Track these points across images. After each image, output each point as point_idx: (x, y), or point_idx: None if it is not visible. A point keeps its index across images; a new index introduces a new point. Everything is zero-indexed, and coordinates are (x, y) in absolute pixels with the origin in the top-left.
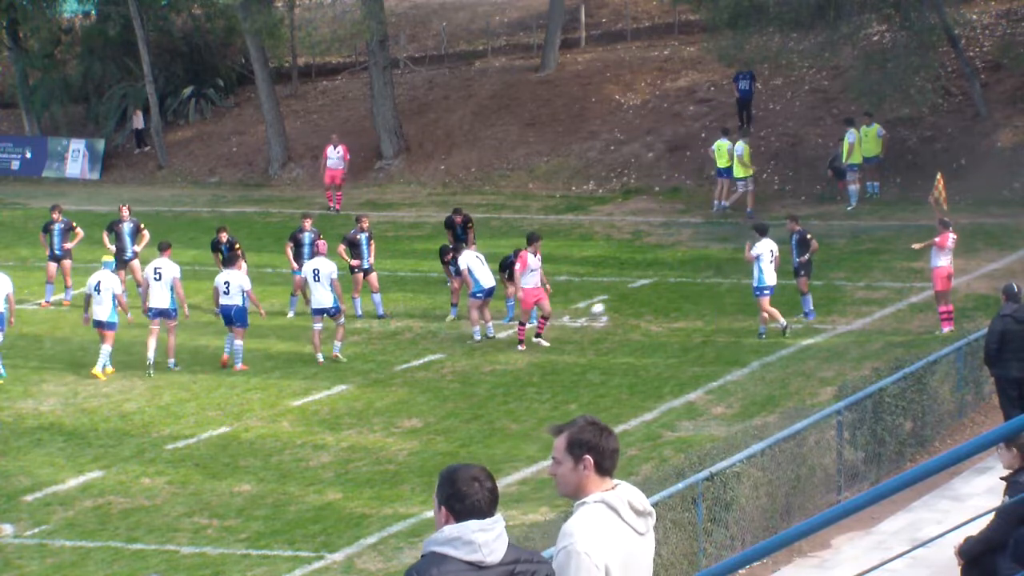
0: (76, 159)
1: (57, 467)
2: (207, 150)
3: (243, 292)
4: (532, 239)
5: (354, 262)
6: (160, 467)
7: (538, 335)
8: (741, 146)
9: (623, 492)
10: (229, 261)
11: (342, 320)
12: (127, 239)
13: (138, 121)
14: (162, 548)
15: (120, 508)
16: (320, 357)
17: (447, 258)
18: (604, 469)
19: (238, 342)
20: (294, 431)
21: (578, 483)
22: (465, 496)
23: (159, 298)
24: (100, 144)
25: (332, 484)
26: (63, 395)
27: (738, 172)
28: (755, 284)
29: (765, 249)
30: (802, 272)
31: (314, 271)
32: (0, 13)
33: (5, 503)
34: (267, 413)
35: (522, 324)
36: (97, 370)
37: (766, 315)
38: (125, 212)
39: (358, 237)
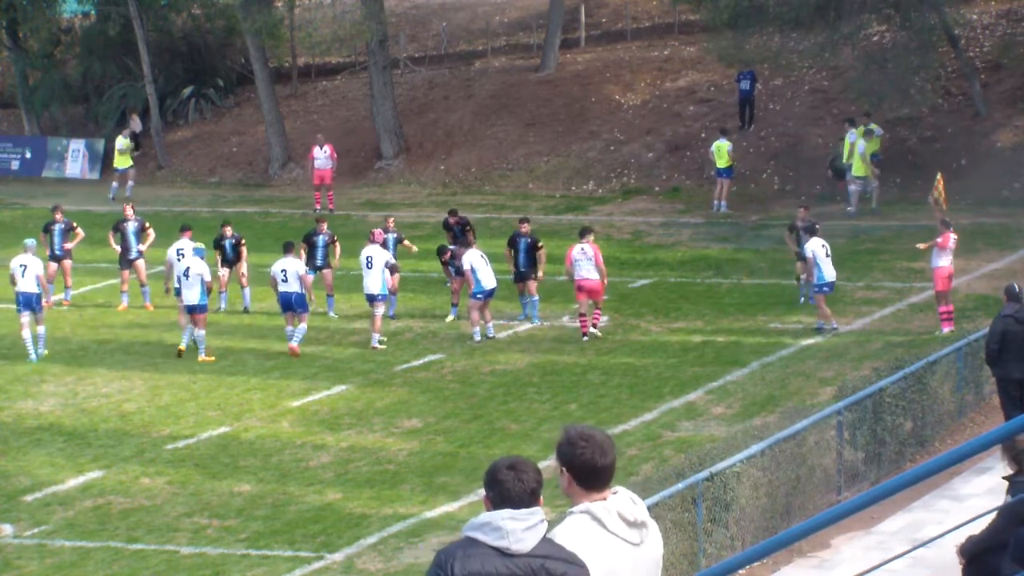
0: (76, 159)
1: (57, 467)
2: (207, 150)
3: (299, 278)
4: (583, 232)
5: None
6: (160, 467)
7: (593, 326)
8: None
9: (614, 503)
10: (233, 259)
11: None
12: (132, 239)
13: (135, 124)
14: (162, 548)
15: (120, 508)
16: (377, 340)
17: (445, 258)
18: (587, 484)
19: (302, 326)
20: (294, 431)
21: (567, 492)
22: (499, 483)
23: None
24: (100, 144)
25: (332, 484)
26: (63, 395)
27: (720, 164)
28: (815, 281)
29: (817, 246)
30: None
31: (367, 258)
32: (0, 13)
33: (5, 503)
34: (267, 413)
35: (582, 315)
36: (203, 356)
37: (827, 311)
38: (129, 211)
39: (385, 237)
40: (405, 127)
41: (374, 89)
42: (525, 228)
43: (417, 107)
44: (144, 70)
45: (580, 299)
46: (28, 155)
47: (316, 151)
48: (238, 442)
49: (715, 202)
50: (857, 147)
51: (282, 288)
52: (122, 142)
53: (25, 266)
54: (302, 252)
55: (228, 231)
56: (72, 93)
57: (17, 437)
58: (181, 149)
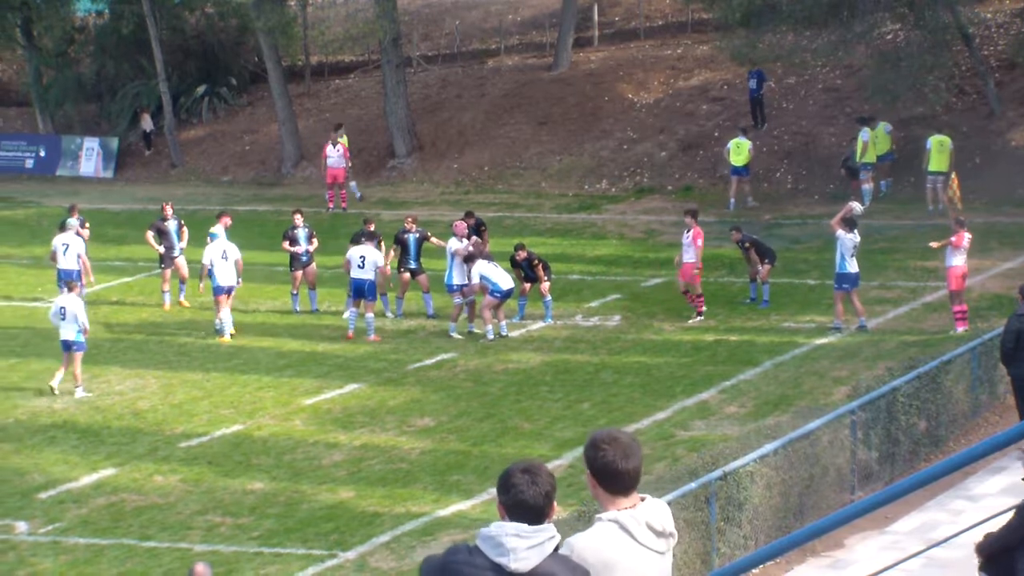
0: (90, 157)
1: (71, 465)
2: (220, 149)
3: (376, 267)
4: (689, 212)
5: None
6: (173, 465)
7: (699, 313)
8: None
9: (643, 511)
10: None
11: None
12: (174, 237)
13: (147, 123)
14: (175, 546)
15: (133, 506)
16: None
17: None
18: (612, 489)
19: (369, 315)
20: (307, 429)
21: (593, 494)
22: (513, 487)
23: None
24: (114, 143)
25: (345, 483)
26: (76, 392)
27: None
28: (838, 272)
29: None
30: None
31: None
32: (14, 11)
33: (19, 501)
34: (280, 411)
35: (698, 295)
36: (227, 337)
37: (860, 307)
38: (169, 210)
39: (406, 237)
40: (418, 126)
41: (387, 88)
42: (522, 254)
43: (430, 106)
44: (157, 69)
45: (686, 280)
46: (42, 153)
47: (329, 149)
48: (251, 440)
49: (731, 201)
50: (861, 136)
51: (356, 274)
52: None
53: (68, 244)
54: (392, 252)
55: (228, 221)
56: (86, 92)
57: (31, 435)
58: (194, 148)
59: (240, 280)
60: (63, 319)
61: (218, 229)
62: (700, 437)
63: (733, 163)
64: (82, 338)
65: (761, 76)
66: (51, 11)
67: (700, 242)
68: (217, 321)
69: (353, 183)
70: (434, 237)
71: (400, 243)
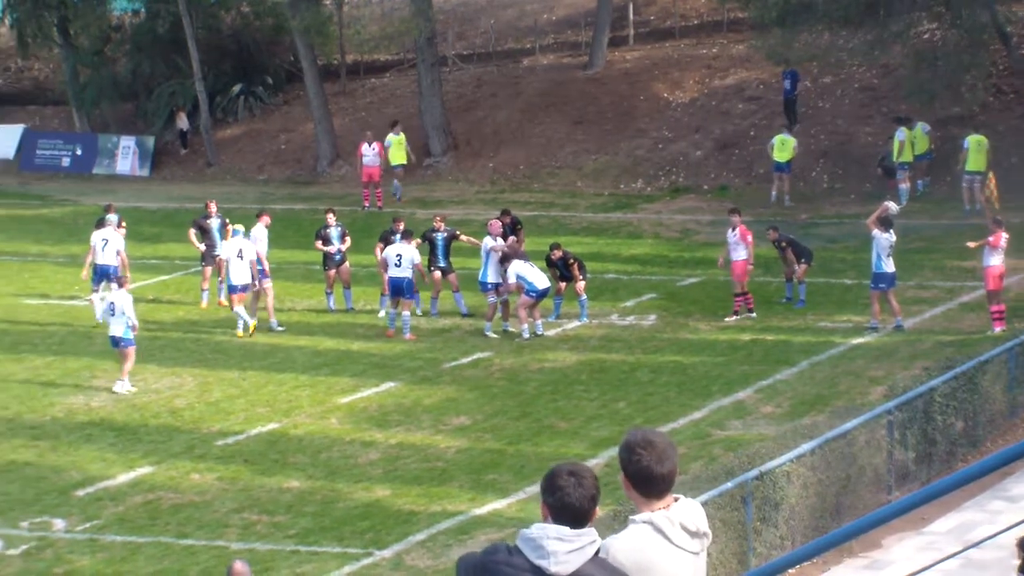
0: (126, 156)
1: (108, 462)
2: (256, 148)
3: (413, 265)
4: (733, 210)
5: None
6: (210, 463)
7: (735, 312)
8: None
9: (677, 512)
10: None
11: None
12: (216, 235)
13: (182, 122)
14: (211, 544)
15: (170, 504)
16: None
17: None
18: (646, 492)
19: (406, 313)
20: (342, 428)
21: (627, 495)
22: (559, 490)
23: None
24: (150, 141)
25: (380, 481)
26: (114, 391)
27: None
28: (874, 272)
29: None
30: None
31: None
32: (51, 10)
33: (56, 498)
34: (316, 410)
35: (743, 293)
36: (242, 331)
37: (896, 307)
38: (213, 208)
39: (434, 236)
40: (453, 124)
41: (422, 87)
42: (557, 253)
43: (465, 104)
44: (193, 68)
45: (738, 279)
46: (79, 152)
47: (364, 148)
48: (287, 439)
49: (773, 194)
50: (897, 135)
51: (394, 272)
52: (391, 139)
53: (107, 240)
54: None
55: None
56: (122, 90)
57: (68, 432)
58: (230, 146)
59: (258, 280)
60: (112, 315)
61: (258, 228)
62: (736, 437)
63: (776, 159)
64: (131, 335)
65: (795, 77)
66: (88, 10)
67: (750, 238)
68: (250, 316)
69: (397, 182)
70: (464, 235)
71: (428, 241)
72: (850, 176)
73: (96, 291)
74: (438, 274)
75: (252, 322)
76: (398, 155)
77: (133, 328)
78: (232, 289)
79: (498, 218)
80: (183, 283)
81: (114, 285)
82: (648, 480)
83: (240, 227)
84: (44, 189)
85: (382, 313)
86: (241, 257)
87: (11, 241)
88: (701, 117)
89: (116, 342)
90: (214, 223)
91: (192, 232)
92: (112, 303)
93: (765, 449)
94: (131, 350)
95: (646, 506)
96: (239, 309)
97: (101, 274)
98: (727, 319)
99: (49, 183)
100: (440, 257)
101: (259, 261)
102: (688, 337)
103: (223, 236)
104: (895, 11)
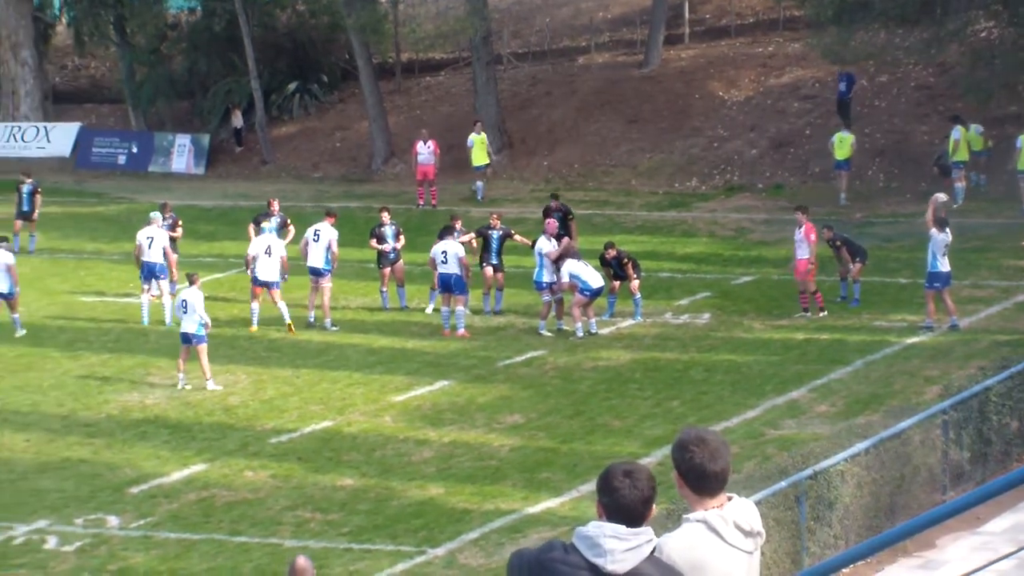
0: (181, 154)
1: (162, 460)
2: (311, 145)
3: (458, 259)
4: (799, 208)
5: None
6: (263, 461)
7: (805, 309)
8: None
9: (731, 511)
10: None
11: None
12: (275, 234)
13: (237, 120)
14: (265, 541)
15: (224, 501)
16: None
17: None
18: (699, 490)
19: (460, 308)
20: (396, 426)
21: (680, 493)
22: (615, 490)
23: (315, 257)
24: (205, 139)
25: (434, 479)
26: (168, 388)
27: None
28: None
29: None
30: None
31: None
32: (107, 9)
33: (111, 495)
34: (369, 408)
35: (814, 292)
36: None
37: (952, 306)
38: (275, 206)
39: (489, 233)
40: (508, 123)
41: (477, 85)
42: (612, 252)
43: (520, 103)
44: (249, 66)
45: (799, 278)
46: (134, 150)
47: (419, 146)
48: (341, 436)
49: (843, 195)
50: (953, 134)
51: (442, 270)
52: (473, 138)
53: (152, 238)
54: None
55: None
56: (177, 88)
57: (123, 430)
58: (285, 144)
59: (285, 277)
60: (184, 312)
61: (323, 226)
62: (790, 436)
63: (836, 157)
64: (203, 331)
65: (851, 79)
66: (144, 8)
67: (813, 236)
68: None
69: (480, 183)
70: (518, 235)
71: (483, 238)
72: (906, 175)
73: (146, 290)
74: (489, 271)
75: (288, 320)
76: (480, 155)
77: (205, 325)
78: (255, 281)
79: (549, 204)
80: (237, 281)
81: (186, 282)
82: (701, 478)
83: (269, 224)
84: (100, 187)
85: (429, 308)
86: (269, 254)
87: (67, 239)
88: (756, 116)
89: (188, 339)
90: (273, 221)
91: (252, 228)
92: (184, 300)
93: (819, 448)
94: (203, 347)
95: (700, 505)
96: (254, 305)
97: (148, 272)
98: (800, 316)
99: (105, 181)
100: (492, 254)
101: (327, 260)
102: (742, 336)
103: (281, 235)
104: (952, 9)
